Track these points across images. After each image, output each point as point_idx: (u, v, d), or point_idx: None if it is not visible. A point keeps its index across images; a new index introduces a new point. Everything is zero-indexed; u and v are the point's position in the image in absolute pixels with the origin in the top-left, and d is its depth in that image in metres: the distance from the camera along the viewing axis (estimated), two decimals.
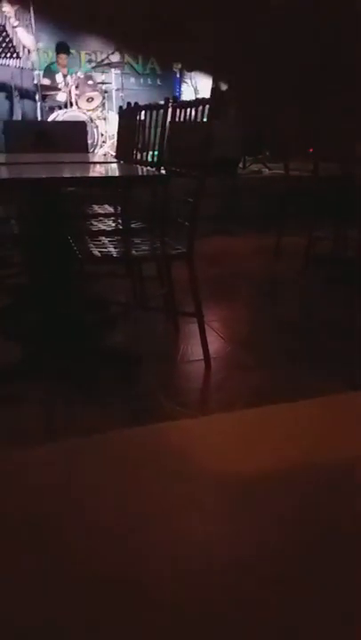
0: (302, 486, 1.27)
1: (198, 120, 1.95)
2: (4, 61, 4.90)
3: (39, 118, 5.53)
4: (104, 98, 5.92)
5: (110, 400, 1.74)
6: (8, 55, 4.69)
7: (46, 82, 5.76)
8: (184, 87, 5.85)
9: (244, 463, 1.38)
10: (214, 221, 4.19)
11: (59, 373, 1.92)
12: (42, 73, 5.54)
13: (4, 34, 4.50)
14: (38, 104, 5.53)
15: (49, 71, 6.03)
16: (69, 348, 2.02)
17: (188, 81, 5.74)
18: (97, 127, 5.67)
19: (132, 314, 2.53)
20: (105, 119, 5.88)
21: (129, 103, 2.75)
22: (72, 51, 6.89)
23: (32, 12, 4.98)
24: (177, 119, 2.15)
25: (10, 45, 4.58)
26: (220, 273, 3.28)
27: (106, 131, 5.84)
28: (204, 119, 1.88)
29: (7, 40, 4.51)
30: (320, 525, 1.16)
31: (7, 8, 5.06)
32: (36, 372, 1.95)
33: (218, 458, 1.40)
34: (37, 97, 5.45)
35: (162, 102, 2.33)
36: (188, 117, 2.04)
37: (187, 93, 5.70)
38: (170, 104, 2.24)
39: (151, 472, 1.34)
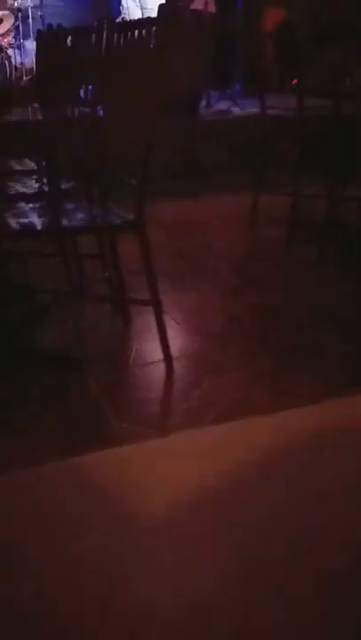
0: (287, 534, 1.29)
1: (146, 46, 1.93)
2: None
3: None
4: (17, 19, 5.82)
5: (41, 418, 1.72)
6: None
7: None
8: (126, 1, 5.77)
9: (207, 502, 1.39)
10: (171, 179, 4.18)
11: None
12: None
13: None
14: None
15: None
16: None
17: None
18: (9, 58, 5.57)
19: (67, 304, 2.51)
20: (20, 47, 5.79)
21: (50, 25, 2.71)
22: None
23: None
24: (118, 46, 2.13)
25: None
26: (182, 247, 3.29)
27: (22, 63, 5.75)
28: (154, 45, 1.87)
29: None
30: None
31: None
32: None
33: (174, 491, 1.40)
34: None
35: (95, 23, 2.30)
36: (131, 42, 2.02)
37: (131, 11, 5.64)
38: (106, 25, 2.22)
39: (89, 514, 1.34)
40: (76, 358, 2.07)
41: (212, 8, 5.58)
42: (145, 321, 2.26)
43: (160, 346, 1.99)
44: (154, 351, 2.06)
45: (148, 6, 5.42)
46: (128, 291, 2.30)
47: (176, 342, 2.14)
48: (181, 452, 1.57)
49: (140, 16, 5.18)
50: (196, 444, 1.61)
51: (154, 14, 2.02)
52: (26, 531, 1.31)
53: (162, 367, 1.99)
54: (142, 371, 2.04)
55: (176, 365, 2.00)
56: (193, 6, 6.07)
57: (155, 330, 2.00)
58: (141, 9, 5.49)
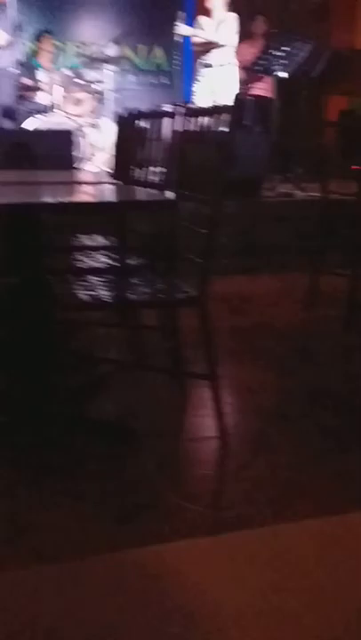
0: None
1: (215, 130, 2.03)
2: None
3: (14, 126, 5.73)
4: (96, 100, 6.15)
5: (94, 491, 1.73)
6: None
7: (27, 82, 6.01)
8: (198, 86, 6.05)
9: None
10: (232, 257, 4.26)
11: (31, 452, 1.92)
12: (19, 69, 5.79)
13: None
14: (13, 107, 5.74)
15: (28, 67, 6.31)
16: (44, 419, 2.02)
17: (203, 79, 5.95)
18: (85, 136, 5.85)
19: (126, 374, 2.55)
20: (96, 127, 6.08)
21: (128, 109, 2.86)
22: (57, 42, 7.24)
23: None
24: (188, 129, 2.23)
25: None
26: (240, 323, 3.32)
27: (97, 142, 6.03)
28: (224, 129, 1.96)
29: None
30: None
31: None
32: (1, 448, 1.95)
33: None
34: (13, 100, 5.67)
35: (169, 107, 2.43)
36: (202, 127, 2.13)
37: (201, 94, 5.91)
38: (180, 110, 2.34)
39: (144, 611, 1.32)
40: (131, 429, 2.08)
41: (271, 94, 5.81)
42: (202, 395, 2.27)
43: (215, 421, 2.00)
44: (209, 426, 2.06)
45: (217, 94, 5.67)
46: (186, 364, 2.32)
47: (231, 419, 2.13)
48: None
49: (210, 102, 5.42)
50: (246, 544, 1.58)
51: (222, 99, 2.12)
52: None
53: (217, 443, 1.99)
54: (197, 446, 2.04)
55: (231, 442, 1.99)
56: (262, 93, 6.35)
57: (211, 405, 2.01)
58: (211, 92, 5.74)
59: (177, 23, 5.84)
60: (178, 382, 2.40)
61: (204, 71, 5.95)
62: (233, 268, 4.17)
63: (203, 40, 5.82)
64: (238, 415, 2.22)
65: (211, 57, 5.84)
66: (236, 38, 5.87)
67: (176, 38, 6.07)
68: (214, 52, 5.81)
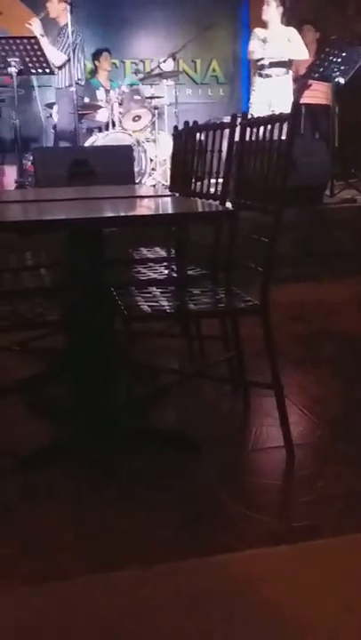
0: None
1: (274, 139, 2.02)
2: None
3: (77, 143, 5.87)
4: (154, 115, 6.23)
5: (157, 500, 1.74)
6: (39, 71, 5.08)
7: (86, 100, 6.15)
8: (254, 97, 6.04)
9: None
10: (293, 264, 4.22)
11: (94, 462, 1.94)
12: (79, 88, 5.93)
13: (36, 46, 4.89)
14: (74, 126, 5.89)
15: (88, 86, 6.47)
16: (109, 428, 2.05)
17: (258, 89, 5.94)
18: (145, 151, 5.94)
19: (188, 384, 2.55)
20: (155, 141, 6.15)
21: (186, 122, 2.89)
22: (115, 60, 7.39)
23: (70, 20, 5.40)
24: (247, 139, 2.23)
25: (41, 60, 4.97)
26: (304, 331, 3.28)
27: (156, 155, 6.10)
28: (282, 137, 1.95)
29: (38, 54, 4.89)
30: None
31: (33, 20, 5.52)
32: (65, 458, 1.98)
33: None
34: (75, 117, 5.82)
35: (227, 119, 2.44)
36: (260, 137, 2.12)
37: (257, 105, 5.90)
38: (237, 121, 2.34)
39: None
40: (194, 439, 2.08)
41: (329, 101, 5.74)
42: (265, 404, 2.25)
43: (281, 431, 1.97)
44: (274, 436, 2.04)
45: (274, 103, 5.66)
46: (249, 373, 2.31)
47: (297, 428, 2.11)
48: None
49: (267, 113, 5.40)
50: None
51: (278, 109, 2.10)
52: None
53: (282, 453, 1.96)
54: (261, 456, 2.01)
55: (297, 452, 1.96)
56: (311, 100, 6.30)
57: (275, 414, 1.99)
58: (269, 105, 5.72)
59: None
60: (241, 392, 2.39)
61: (259, 82, 5.93)
62: (295, 275, 4.13)
63: (265, 56, 5.77)
64: (303, 425, 2.19)
65: (266, 68, 5.83)
66: (307, 51, 5.82)
67: (233, 51, 6.08)
68: (270, 62, 5.78)
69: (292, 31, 5.81)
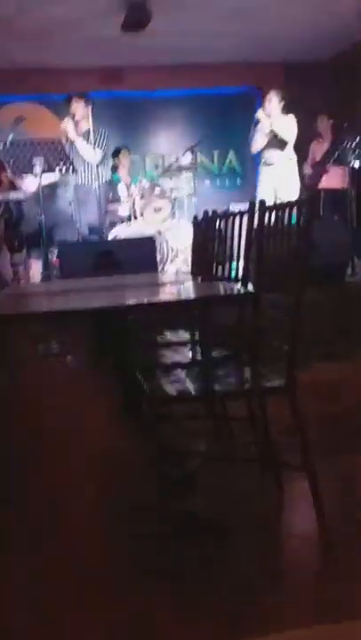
0: None
1: (292, 224, 2.08)
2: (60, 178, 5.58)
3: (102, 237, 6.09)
4: (174, 206, 6.46)
5: (190, 588, 1.68)
6: (63, 170, 5.32)
7: (109, 195, 6.42)
8: (260, 185, 6.32)
9: None
10: (317, 344, 4.21)
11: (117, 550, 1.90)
12: (102, 186, 6.21)
13: (59, 149, 5.17)
14: (98, 220, 6.13)
15: (110, 181, 6.77)
16: (133, 513, 2.01)
17: (264, 177, 6.24)
18: (166, 240, 6.11)
19: (216, 466, 2.52)
20: (175, 231, 6.35)
21: (205, 211, 3.00)
22: (135, 155, 7.75)
23: (91, 122, 5.73)
24: (266, 224, 2.30)
25: (64, 159, 5.22)
26: (333, 412, 3.23)
27: (177, 244, 6.27)
28: (301, 222, 2.01)
29: (62, 156, 5.16)
30: None
31: (66, 123, 5.88)
32: None
33: None
34: (100, 213, 6.08)
35: (244, 206, 2.53)
36: (278, 222, 2.19)
37: (264, 192, 6.15)
38: (255, 208, 2.43)
39: None
40: (223, 524, 2.03)
41: (346, 184, 5.92)
42: (297, 488, 2.20)
43: (314, 516, 1.91)
44: (307, 522, 1.98)
45: (279, 190, 5.92)
46: (278, 454, 2.27)
47: (332, 514, 2.02)
48: None
49: (272, 199, 5.61)
50: None
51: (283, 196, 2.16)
52: None
53: (317, 540, 1.90)
54: (295, 542, 1.95)
55: (332, 537, 1.89)
56: (329, 185, 6.51)
57: (307, 497, 1.94)
58: (275, 192, 5.97)
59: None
60: (270, 474, 2.34)
61: (265, 170, 6.23)
62: (319, 354, 4.11)
63: (265, 133, 6.08)
64: (338, 508, 2.12)
65: (270, 156, 6.13)
66: (294, 134, 6.11)
67: (249, 143, 6.40)
68: (273, 150, 6.10)
69: (290, 116, 6.12)
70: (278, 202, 3.21)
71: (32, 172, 5.21)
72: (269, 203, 2.30)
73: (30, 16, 5.98)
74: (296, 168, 6.23)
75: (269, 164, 6.17)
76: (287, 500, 2.23)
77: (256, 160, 6.88)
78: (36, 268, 6.60)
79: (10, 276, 6.34)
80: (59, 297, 2.63)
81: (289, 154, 6.16)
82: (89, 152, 5.81)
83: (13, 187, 6.66)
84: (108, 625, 1.55)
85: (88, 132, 5.90)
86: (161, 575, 1.75)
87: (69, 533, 2.00)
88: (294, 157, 6.19)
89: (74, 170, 5.41)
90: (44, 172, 5.21)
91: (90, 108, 5.84)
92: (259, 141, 6.17)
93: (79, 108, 5.99)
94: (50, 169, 5.24)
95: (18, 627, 1.56)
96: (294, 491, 2.24)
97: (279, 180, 6.07)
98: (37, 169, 5.16)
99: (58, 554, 1.89)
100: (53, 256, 5.79)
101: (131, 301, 2.21)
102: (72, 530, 2.02)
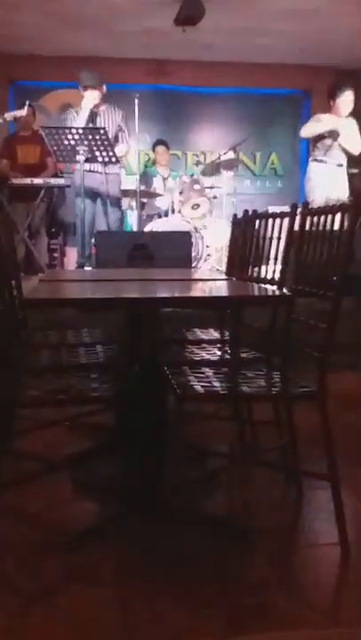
0: None
1: (334, 229, 2.04)
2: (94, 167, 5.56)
3: (136, 228, 6.07)
4: (212, 204, 6.41)
5: (205, 590, 1.66)
6: (105, 160, 5.31)
7: (142, 187, 6.40)
8: (310, 184, 6.10)
9: None
10: (349, 351, 4.15)
11: (141, 545, 1.88)
12: (138, 178, 6.19)
13: (104, 137, 5.15)
14: (135, 212, 6.11)
15: (145, 175, 6.76)
16: (157, 512, 1.99)
17: (315, 176, 5.98)
18: (202, 238, 6.07)
19: (238, 469, 2.48)
20: (213, 229, 6.31)
21: (246, 210, 2.95)
22: (177, 152, 7.72)
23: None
24: (307, 228, 2.26)
25: (108, 149, 5.21)
26: (356, 422, 3.17)
27: (212, 242, 6.23)
28: (344, 228, 1.96)
29: (106, 144, 5.14)
30: None
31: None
32: (112, 540, 1.93)
33: None
34: (135, 204, 6.04)
35: (285, 208, 2.48)
36: (320, 226, 2.15)
37: (313, 192, 5.96)
38: (296, 210, 2.38)
39: None
40: (242, 529, 2.00)
41: None
42: (319, 496, 2.16)
43: (335, 526, 1.87)
44: (328, 531, 1.93)
45: (330, 190, 5.71)
46: (302, 461, 2.23)
47: (354, 524, 1.98)
48: None
49: (323, 201, 5.44)
50: None
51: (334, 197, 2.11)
52: None
53: (337, 551, 1.85)
54: (314, 552, 1.91)
55: (353, 551, 1.84)
56: None
57: (329, 507, 1.89)
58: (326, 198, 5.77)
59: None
60: (293, 481, 2.30)
61: (316, 168, 5.90)
62: (353, 363, 4.05)
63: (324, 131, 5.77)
64: (360, 521, 2.07)
65: (323, 155, 5.82)
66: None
67: (292, 146, 6.22)
68: (326, 150, 5.79)
69: (353, 122, 5.82)
70: (325, 204, 3.14)
71: (76, 160, 5.21)
72: (318, 204, 2.24)
73: (90, 4, 6.06)
74: (346, 171, 5.98)
75: (320, 162, 5.83)
76: (307, 508, 2.19)
77: (301, 164, 6.74)
78: (71, 256, 6.62)
79: (46, 261, 6.37)
80: (92, 285, 2.62)
81: (342, 156, 5.85)
82: (120, 146, 5.73)
83: (58, 172, 6.69)
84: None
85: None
86: (174, 573, 1.73)
87: None
88: (345, 160, 5.90)
89: (116, 160, 5.40)
90: (87, 160, 5.21)
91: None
92: (309, 129, 5.83)
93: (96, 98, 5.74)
94: (93, 158, 5.24)
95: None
96: (316, 499, 2.19)
97: (330, 182, 5.67)
98: (81, 157, 5.16)
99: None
100: (90, 245, 5.80)
101: (164, 294, 2.18)
102: None
